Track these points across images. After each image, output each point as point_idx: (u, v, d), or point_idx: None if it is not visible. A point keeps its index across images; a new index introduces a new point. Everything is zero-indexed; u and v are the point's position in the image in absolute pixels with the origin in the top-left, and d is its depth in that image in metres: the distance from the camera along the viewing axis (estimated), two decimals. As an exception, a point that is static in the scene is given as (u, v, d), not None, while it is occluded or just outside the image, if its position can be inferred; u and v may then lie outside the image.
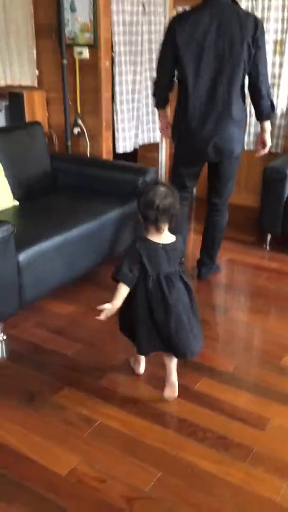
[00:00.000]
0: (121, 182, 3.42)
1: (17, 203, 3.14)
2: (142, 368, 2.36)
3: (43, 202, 3.31)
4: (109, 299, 2.09)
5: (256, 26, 2.67)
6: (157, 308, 2.03)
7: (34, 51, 3.95)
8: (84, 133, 3.99)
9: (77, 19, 3.72)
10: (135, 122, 4.34)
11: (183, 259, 2.16)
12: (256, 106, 2.85)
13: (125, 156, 4.40)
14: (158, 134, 4.63)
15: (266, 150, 3.00)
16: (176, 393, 2.19)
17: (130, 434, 2.01)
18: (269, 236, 3.73)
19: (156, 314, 2.04)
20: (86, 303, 2.97)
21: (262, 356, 2.51)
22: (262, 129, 2.95)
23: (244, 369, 2.40)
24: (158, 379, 2.29)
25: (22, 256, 2.52)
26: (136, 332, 2.11)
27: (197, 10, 2.72)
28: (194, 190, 4.22)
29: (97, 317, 2.07)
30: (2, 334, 2.59)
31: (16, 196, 3.15)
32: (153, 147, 4.75)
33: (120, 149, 4.26)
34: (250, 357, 2.50)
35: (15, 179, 3.21)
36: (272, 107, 2.85)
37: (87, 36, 3.74)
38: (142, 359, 2.33)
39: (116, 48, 3.95)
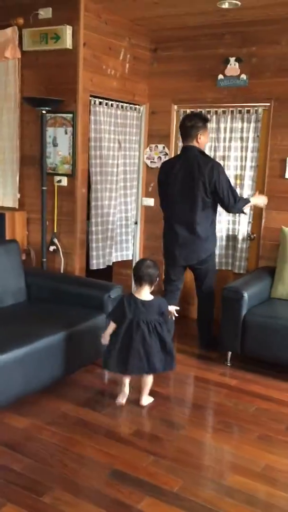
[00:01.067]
0: (89, 298, 3.64)
1: (-15, 315, 3.30)
2: (124, 399, 3.18)
3: (11, 315, 3.49)
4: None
5: (211, 169, 3.75)
6: (127, 339, 3.00)
7: (17, 177, 4.38)
8: (59, 250, 4.28)
9: (58, 153, 4.20)
10: (109, 242, 4.67)
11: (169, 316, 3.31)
12: (234, 213, 4.19)
13: (100, 272, 4.67)
14: (130, 252, 4.96)
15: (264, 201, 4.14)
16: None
17: None
18: (229, 353, 3.86)
19: (125, 341, 3.00)
20: (43, 417, 3.02)
21: (209, 476, 2.52)
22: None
23: (189, 489, 2.40)
24: (102, 497, 2.30)
25: (-20, 368, 2.63)
26: (109, 353, 3.05)
27: (175, 157, 4.10)
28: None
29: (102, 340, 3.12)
30: None
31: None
32: (126, 264, 5.05)
33: (94, 266, 4.54)
34: (197, 476, 2.51)
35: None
36: (241, 207, 3.91)
37: (66, 167, 4.18)
38: (126, 390, 3.19)
39: (93, 178, 4.39)
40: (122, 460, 2.62)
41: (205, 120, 3.92)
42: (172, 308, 3.30)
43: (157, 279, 3.11)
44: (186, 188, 3.81)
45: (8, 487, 2.38)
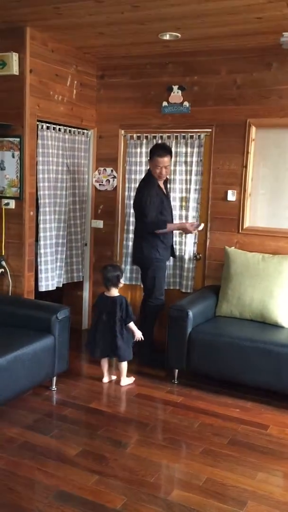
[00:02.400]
0: (37, 320, 3.66)
1: None
2: (105, 379, 3.95)
3: None
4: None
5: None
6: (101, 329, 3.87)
7: None
8: (7, 273, 4.29)
9: (5, 176, 4.23)
10: (59, 263, 4.71)
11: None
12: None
13: (50, 294, 4.69)
14: (81, 274, 5.01)
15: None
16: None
17: None
18: (176, 371, 3.96)
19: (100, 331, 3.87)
20: (-12, 440, 3.00)
21: (153, 491, 2.58)
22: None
23: (132, 506, 2.46)
24: (45, 518, 2.32)
25: None
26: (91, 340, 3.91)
27: None
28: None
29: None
30: None
31: None
32: (78, 285, 5.10)
33: (43, 288, 4.56)
34: (140, 492, 2.57)
35: None
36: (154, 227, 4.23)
37: (14, 190, 4.22)
38: (104, 372, 3.96)
39: (41, 201, 4.45)
40: (67, 480, 2.65)
41: (153, 152, 4.26)
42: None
43: (119, 277, 3.89)
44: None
45: None
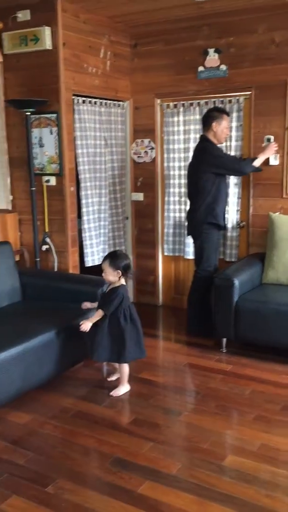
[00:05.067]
0: (82, 293, 3.69)
1: (-18, 316, 3.37)
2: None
3: (8, 315, 3.56)
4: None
5: (203, 150, 4.13)
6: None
7: (8, 180, 4.43)
8: (51, 249, 4.35)
9: (44, 153, 4.25)
10: (102, 238, 4.73)
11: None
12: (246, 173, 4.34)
13: (94, 268, 4.72)
14: (123, 248, 5.02)
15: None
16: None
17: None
18: (224, 340, 3.94)
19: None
20: (43, 412, 3.09)
21: (206, 457, 2.60)
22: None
23: (187, 471, 2.49)
24: (104, 484, 2.38)
25: (-22, 367, 2.70)
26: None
27: None
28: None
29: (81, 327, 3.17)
30: None
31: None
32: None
33: (89, 263, 4.59)
34: (195, 459, 2.59)
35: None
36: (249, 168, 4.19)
37: (54, 167, 4.24)
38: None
39: (82, 176, 4.45)
40: (122, 448, 2.70)
41: (221, 111, 4.12)
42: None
43: (120, 266, 3.21)
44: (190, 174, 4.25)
45: (13, 480, 2.46)
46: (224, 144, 4.49)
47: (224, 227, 4.30)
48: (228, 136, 4.30)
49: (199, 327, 4.24)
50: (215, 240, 4.24)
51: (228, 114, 4.15)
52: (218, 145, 4.17)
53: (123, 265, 3.20)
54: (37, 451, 2.69)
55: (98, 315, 3.22)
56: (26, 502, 2.30)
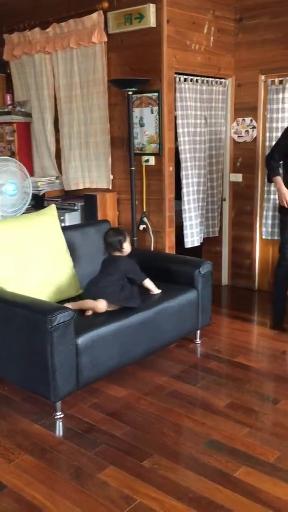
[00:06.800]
0: (180, 274, 3.69)
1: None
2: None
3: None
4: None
5: None
6: None
7: (109, 159, 4.51)
8: (148, 229, 4.38)
9: (145, 132, 4.26)
10: (200, 219, 4.68)
11: None
12: None
13: (189, 249, 4.70)
14: (217, 229, 4.93)
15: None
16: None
17: (166, 515, 2.09)
18: None
19: None
20: (140, 387, 3.15)
21: (307, 449, 2.50)
22: None
23: (286, 460, 2.41)
24: (200, 464, 2.38)
25: (81, 340, 2.80)
26: None
27: None
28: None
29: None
30: (60, 413, 2.82)
31: (82, 286, 3.50)
32: (215, 241, 5.05)
33: (188, 244, 4.55)
34: (294, 448, 2.51)
35: (83, 271, 3.58)
36: None
37: (153, 147, 4.24)
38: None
39: (182, 155, 4.40)
40: (218, 430, 2.68)
41: None
42: None
43: (121, 241, 3.37)
44: None
45: (111, 451, 2.53)
46: None
47: None
48: None
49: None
50: None
51: None
52: None
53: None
54: (133, 425, 2.75)
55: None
56: (122, 473, 2.36)
